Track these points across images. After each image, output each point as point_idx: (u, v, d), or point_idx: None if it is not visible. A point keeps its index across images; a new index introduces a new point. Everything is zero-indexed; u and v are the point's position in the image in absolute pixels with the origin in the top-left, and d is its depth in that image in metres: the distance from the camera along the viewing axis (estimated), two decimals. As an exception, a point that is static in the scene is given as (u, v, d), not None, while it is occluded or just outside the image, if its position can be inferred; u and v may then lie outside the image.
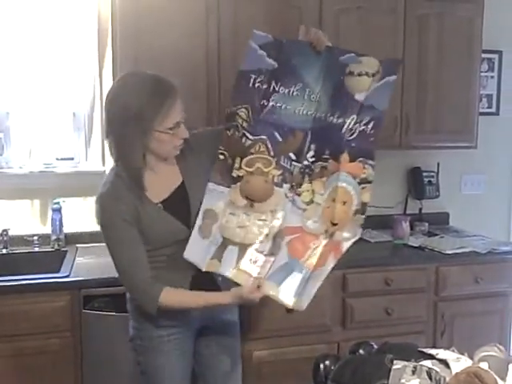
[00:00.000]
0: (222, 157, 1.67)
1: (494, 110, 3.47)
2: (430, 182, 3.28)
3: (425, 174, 3.29)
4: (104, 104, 1.70)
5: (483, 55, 3.18)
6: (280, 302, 1.66)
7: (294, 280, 1.64)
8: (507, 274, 2.85)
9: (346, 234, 1.66)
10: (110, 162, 2.81)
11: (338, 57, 1.61)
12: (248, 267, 1.64)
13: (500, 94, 3.47)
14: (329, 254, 1.66)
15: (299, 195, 1.66)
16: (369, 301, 2.61)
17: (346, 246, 1.67)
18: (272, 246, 1.65)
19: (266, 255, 1.64)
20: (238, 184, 1.67)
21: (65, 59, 2.75)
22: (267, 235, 1.65)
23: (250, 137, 1.63)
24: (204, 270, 1.66)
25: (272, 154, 1.64)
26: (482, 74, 3.28)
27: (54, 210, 2.70)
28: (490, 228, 3.31)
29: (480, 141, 3.11)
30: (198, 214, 1.70)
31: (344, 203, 1.64)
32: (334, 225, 1.65)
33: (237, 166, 1.66)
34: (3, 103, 2.73)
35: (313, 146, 1.65)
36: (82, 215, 2.83)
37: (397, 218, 2.99)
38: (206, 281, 1.70)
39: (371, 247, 2.84)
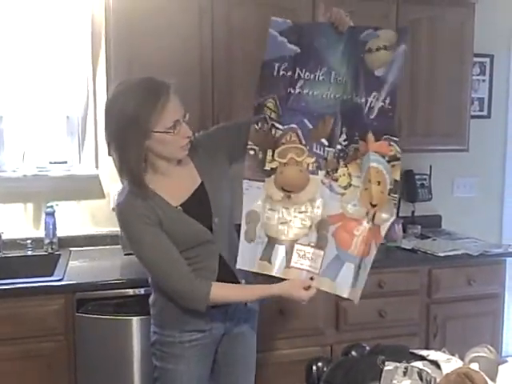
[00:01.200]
0: (252, 152, 1.63)
1: (485, 113, 3.50)
2: (422, 184, 3.30)
3: (417, 176, 3.30)
4: (103, 117, 1.68)
5: (475, 59, 3.22)
6: (336, 294, 1.68)
7: (348, 271, 1.64)
8: (499, 276, 2.87)
9: (384, 215, 1.66)
10: (104, 166, 2.86)
11: (359, 35, 1.58)
12: (299, 263, 1.64)
13: (491, 98, 3.50)
14: (372, 242, 1.65)
15: (336, 180, 1.64)
16: (362, 303, 2.57)
17: (384, 228, 1.67)
18: (318, 238, 1.64)
19: (313, 247, 1.64)
20: (273, 176, 1.64)
21: (58, 62, 2.75)
22: (311, 227, 1.64)
23: (280, 127, 1.59)
24: (255, 271, 1.66)
25: (304, 142, 1.60)
26: (474, 77, 3.31)
27: (47, 214, 2.70)
28: (481, 230, 3.33)
29: (472, 144, 3.13)
30: (219, 214, 1.71)
31: (379, 183, 1.62)
32: (374, 206, 1.64)
33: (269, 158, 1.62)
34: (-4, 107, 2.73)
35: (344, 129, 1.61)
36: (75, 219, 2.84)
37: (389, 220, 3.00)
38: (230, 283, 1.71)
39: (364, 250, 2.85)
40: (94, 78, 2.81)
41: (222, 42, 2.59)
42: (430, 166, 3.32)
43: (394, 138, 1.62)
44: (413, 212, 3.30)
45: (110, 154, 1.71)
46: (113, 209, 2.81)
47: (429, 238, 3.07)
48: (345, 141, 1.62)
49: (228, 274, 1.72)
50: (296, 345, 2.53)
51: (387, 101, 1.60)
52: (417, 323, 2.73)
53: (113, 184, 2.88)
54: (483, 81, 3.48)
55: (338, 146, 1.62)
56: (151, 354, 1.84)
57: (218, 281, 1.70)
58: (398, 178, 1.64)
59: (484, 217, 3.52)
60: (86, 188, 2.85)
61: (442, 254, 2.74)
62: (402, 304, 2.69)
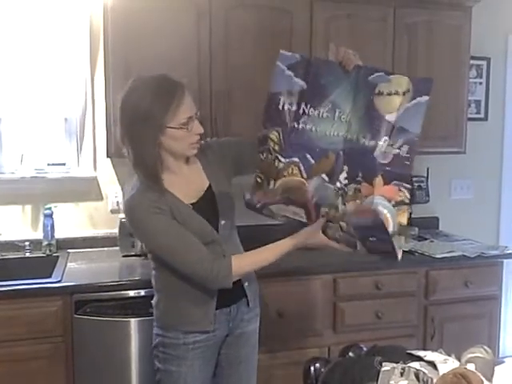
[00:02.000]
0: (259, 180, 1.63)
1: (482, 115, 3.52)
2: (420, 186, 3.31)
3: (415, 179, 3.30)
4: (118, 111, 1.70)
5: (472, 62, 3.23)
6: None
7: None
8: (496, 278, 2.88)
9: None
10: (102, 168, 2.87)
11: (367, 76, 1.57)
12: None
13: (488, 100, 3.52)
14: None
15: None
16: (359, 305, 2.63)
17: None
18: None
19: None
20: None
21: (57, 65, 2.76)
22: None
23: (283, 160, 1.58)
24: None
25: (305, 175, 1.59)
26: (471, 80, 3.33)
27: (45, 216, 2.71)
28: (479, 232, 3.34)
29: (469, 146, 3.15)
30: (225, 216, 1.78)
31: None
32: None
33: (272, 187, 1.62)
34: (-5, 109, 2.74)
35: (345, 168, 1.59)
36: (73, 220, 2.85)
37: (387, 222, 3.01)
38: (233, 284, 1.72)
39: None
40: (92, 81, 2.82)
41: (220, 45, 2.61)
42: (428, 169, 3.33)
43: (406, 185, 1.57)
44: (410, 214, 3.30)
45: (123, 150, 1.73)
46: (111, 211, 2.87)
47: (426, 239, 3.08)
48: (345, 179, 1.60)
49: None
50: (294, 346, 2.53)
51: (404, 149, 1.55)
52: (414, 324, 2.74)
53: (111, 186, 2.89)
54: (480, 83, 3.50)
55: (338, 184, 1.59)
56: (153, 356, 1.84)
57: None
58: (404, 221, 1.57)
59: (481, 219, 3.53)
60: (84, 190, 2.85)
61: (439, 256, 2.75)
62: (400, 305, 2.69)
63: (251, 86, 2.56)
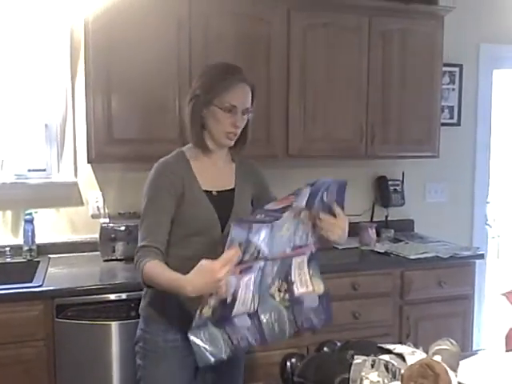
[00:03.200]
0: None
1: (455, 120, 3.62)
2: (395, 190, 3.41)
3: (390, 182, 3.41)
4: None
5: (445, 68, 3.34)
6: None
7: None
8: (469, 278, 2.97)
9: None
10: (82, 173, 2.89)
11: None
12: None
13: (461, 106, 3.62)
14: None
15: None
16: (337, 305, 2.67)
17: None
18: None
19: None
20: None
21: (37, 71, 2.78)
22: None
23: None
24: None
25: None
26: (444, 86, 3.43)
27: (26, 221, 2.71)
28: (453, 234, 3.43)
29: (442, 150, 3.25)
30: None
31: None
32: None
33: None
34: (-25, 115, 2.75)
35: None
36: (54, 226, 2.86)
37: (363, 225, 3.09)
38: None
39: (339, 253, 2.93)
40: (72, 87, 2.84)
41: (199, 53, 2.65)
42: (403, 173, 3.43)
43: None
44: (386, 217, 3.40)
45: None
46: (92, 216, 2.89)
47: (401, 241, 3.17)
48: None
49: None
50: (273, 347, 2.56)
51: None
52: (390, 324, 2.81)
53: (91, 191, 2.92)
54: (453, 89, 3.60)
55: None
56: (135, 352, 1.85)
57: None
58: None
59: (455, 221, 3.63)
60: (64, 195, 2.87)
61: (413, 257, 2.83)
62: (376, 305, 2.76)
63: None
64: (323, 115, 2.93)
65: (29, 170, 2.84)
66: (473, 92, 3.66)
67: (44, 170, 2.87)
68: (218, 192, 1.81)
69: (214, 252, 1.55)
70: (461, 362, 1.34)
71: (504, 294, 1.00)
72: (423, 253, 2.88)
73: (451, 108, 3.60)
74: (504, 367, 1.46)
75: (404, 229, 3.43)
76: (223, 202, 1.81)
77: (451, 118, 3.61)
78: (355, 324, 2.71)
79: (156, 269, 1.63)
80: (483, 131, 3.72)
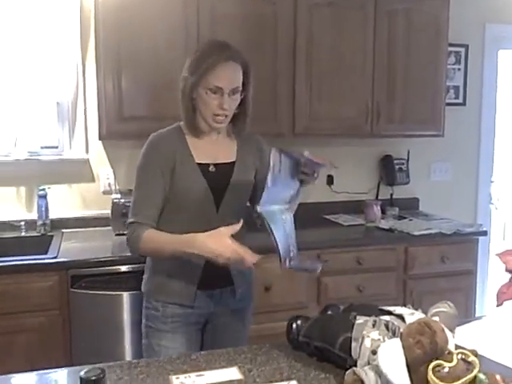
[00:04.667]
0: None
1: (460, 100, 3.66)
2: (400, 169, 3.46)
3: (396, 161, 3.45)
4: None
5: (450, 48, 3.37)
6: None
7: None
8: (472, 254, 3.03)
9: None
10: (94, 150, 2.96)
11: None
12: None
13: (466, 86, 3.65)
14: None
15: None
16: (342, 279, 2.76)
17: None
18: None
19: None
20: None
21: (48, 50, 2.83)
22: None
23: None
24: None
25: None
26: (450, 66, 3.46)
27: (39, 197, 2.79)
28: (457, 213, 3.49)
29: (448, 130, 3.28)
30: (233, 195, 1.74)
31: None
32: None
33: None
34: (-12, 93, 2.81)
35: None
36: (66, 202, 2.94)
37: (368, 202, 3.15)
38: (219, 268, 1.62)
39: (344, 230, 3.00)
40: (83, 65, 2.89)
41: (206, 30, 2.70)
42: (408, 151, 3.47)
43: None
44: (391, 195, 3.46)
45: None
46: (103, 192, 2.97)
47: (405, 218, 3.22)
48: None
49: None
50: (280, 318, 2.63)
51: None
52: (394, 298, 2.87)
53: (102, 168, 2.99)
54: (458, 69, 3.63)
55: None
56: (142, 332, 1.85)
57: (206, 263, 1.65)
58: None
59: (459, 200, 3.68)
60: (76, 172, 2.95)
61: (417, 233, 2.89)
62: (380, 280, 2.83)
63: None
64: (329, 94, 2.97)
65: (41, 147, 2.91)
66: (478, 72, 3.69)
67: (56, 147, 2.94)
68: (215, 165, 1.75)
69: (207, 229, 1.56)
70: (460, 327, 1.40)
71: (497, 255, 1.05)
72: (427, 229, 2.94)
73: (457, 88, 3.63)
74: (502, 332, 1.53)
75: (409, 207, 3.49)
76: (220, 175, 1.74)
77: (456, 97, 3.64)
78: (359, 297, 2.77)
79: (156, 233, 1.64)
80: (488, 111, 3.75)
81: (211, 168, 1.74)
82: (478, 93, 3.70)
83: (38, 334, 2.32)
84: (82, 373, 0.84)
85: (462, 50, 3.61)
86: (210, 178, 1.72)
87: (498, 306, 1.02)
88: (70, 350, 2.37)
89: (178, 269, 1.74)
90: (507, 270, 1.02)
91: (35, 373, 1.36)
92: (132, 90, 2.67)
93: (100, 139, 2.76)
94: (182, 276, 1.75)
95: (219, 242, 1.51)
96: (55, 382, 1.35)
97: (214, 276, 1.73)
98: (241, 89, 1.69)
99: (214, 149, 1.77)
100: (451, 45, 3.35)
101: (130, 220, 1.69)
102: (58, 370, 1.39)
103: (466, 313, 3.02)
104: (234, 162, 1.78)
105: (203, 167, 1.73)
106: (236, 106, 1.72)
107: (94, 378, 0.83)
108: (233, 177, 1.76)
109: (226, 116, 1.70)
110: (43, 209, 2.80)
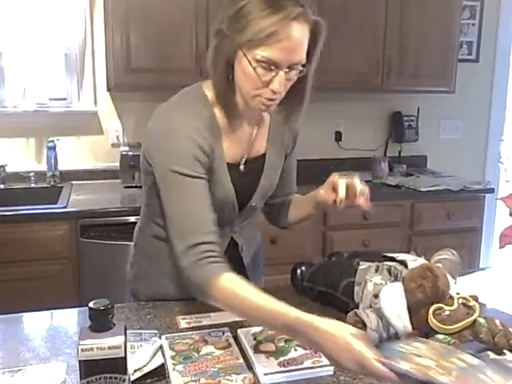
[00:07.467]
0: None
1: (473, 57, 3.59)
2: (410, 126, 3.43)
3: (405, 118, 3.42)
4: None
5: (465, 2, 3.28)
6: None
7: None
8: (478, 211, 3.04)
9: None
10: (102, 103, 2.96)
11: None
12: None
13: (480, 42, 3.58)
14: None
15: None
16: (347, 234, 2.79)
17: None
18: None
19: None
20: None
21: (56, 1, 2.80)
22: None
23: None
24: None
25: None
26: (464, 21, 3.38)
27: (48, 148, 2.81)
28: (465, 171, 3.48)
29: (459, 87, 3.24)
30: (259, 198, 1.39)
31: None
32: None
33: None
34: (-4, 43, 2.80)
35: None
36: (75, 154, 2.96)
37: (376, 158, 3.15)
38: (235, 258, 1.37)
39: (351, 186, 3.00)
40: (91, 16, 2.86)
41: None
42: (418, 108, 3.44)
43: None
44: (399, 152, 3.44)
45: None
46: (112, 145, 2.98)
47: (413, 175, 3.22)
48: None
49: (233, 250, 1.40)
50: (285, 271, 2.69)
51: None
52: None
53: (111, 121, 2.99)
54: (473, 25, 3.55)
55: None
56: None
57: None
58: None
59: (468, 158, 3.66)
60: (85, 124, 2.95)
61: (424, 189, 2.89)
62: (385, 235, 2.86)
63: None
64: (339, 47, 2.92)
65: (50, 99, 2.91)
66: (493, 28, 3.60)
67: (65, 99, 2.94)
68: (245, 163, 1.33)
69: (222, 228, 1.26)
70: (463, 277, 1.42)
71: (502, 198, 1.06)
72: (434, 185, 2.94)
73: (470, 43, 3.56)
74: (505, 282, 1.56)
75: (417, 164, 3.48)
76: (249, 175, 1.34)
77: (469, 54, 3.58)
78: (364, 252, 2.81)
79: (241, 287, 1.06)
80: (501, 69, 3.68)
81: (242, 168, 1.33)
82: (491, 49, 3.62)
83: (49, 281, 2.38)
84: (91, 303, 0.87)
85: (478, 4, 3.52)
86: (237, 182, 1.31)
87: (500, 248, 1.03)
88: (80, 297, 2.43)
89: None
90: (511, 214, 1.02)
91: (46, 312, 1.40)
92: (140, 42, 2.64)
93: (108, 91, 2.76)
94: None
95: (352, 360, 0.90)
96: (65, 320, 1.40)
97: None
98: (304, 62, 1.17)
99: (247, 138, 1.33)
100: (466, -1, 3.27)
101: (186, 244, 1.12)
102: (68, 309, 1.43)
103: (471, 271, 3.04)
104: (264, 155, 1.37)
105: (232, 168, 1.30)
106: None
107: (102, 307, 0.86)
108: (263, 177, 1.37)
109: (273, 100, 1.18)
110: (52, 160, 2.82)
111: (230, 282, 1.08)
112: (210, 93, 1.25)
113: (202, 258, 1.10)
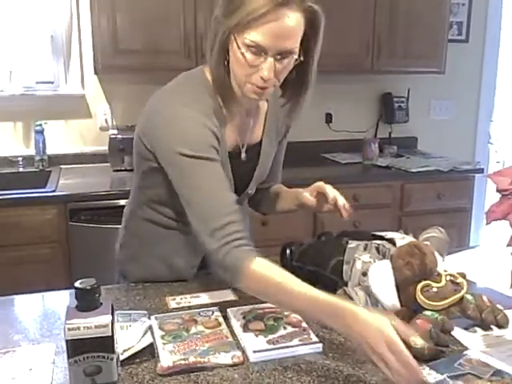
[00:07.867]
0: None
1: (463, 37, 3.57)
2: (400, 107, 3.42)
3: (395, 99, 3.42)
4: None
5: (455, -18, 3.26)
6: None
7: None
8: (467, 191, 3.05)
9: None
10: (90, 86, 2.93)
11: None
12: None
13: (470, 22, 3.56)
14: None
15: None
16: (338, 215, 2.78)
17: None
18: None
19: None
20: None
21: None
22: None
23: None
24: None
25: None
26: (454, 1, 3.36)
27: (36, 132, 2.78)
28: (455, 151, 3.48)
29: (449, 67, 3.23)
30: (254, 185, 1.41)
31: None
32: None
33: None
34: (-19, 26, 2.75)
35: None
36: (63, 138, 2.93)
37: (366, 140, 3.14)
38: None
39: (341, 168, 3.01)
40: (77, -1, 2.82)
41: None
42: (408, 90, 3.43)
43: None
44: (390, 133, 3.44)
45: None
46: (100, 128, 2.95)
47: (403, 156, 3.23)
48: None
49: None
50: (276, 252, 2.68)
51: None
52: (389, 234, 2.92)
53: (99, 104, 2.96)
54: (463, 5, 3.53)
55: None
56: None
57: None
58: None
59: (458, 139, 3.67)
60: (73, 108, 2.92)
61: (414, 170, 2.90)
62: (376, 216, 2.86)
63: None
64: (329, 29, 2.88)
65: (37, 82, 2.88)
66: (483, 8, 3.59)
67: (52, 83, 2.91)
68: (246, 151, 1.33)
69: None
70: (451, 255, 1.43)
71: (489, 176, 1.06)
72: (424, 166, 2.95)
73: (460, 24, 3.55)
74: (493, 260, 1.57)
75: (407, 145, 3.48)
76: (247, 164, 1.35)
77: (459, 34, 3.56)
78: (355, 233, 2.82)
79: (276, 273, 1.07)
80: (491, 49, 3.67)
81: (243, 157, 1.33)
82: (481, 30, 3.61)
83: (39, 266, 2.37)
84: (77, 283, 0.86)
85: (468, -16, 3.50)
86: (236, 170, 1.30)
87: (487, 224, 1.04)
88: (71, 280, 2.42)
89: (177, 244, 1.37)
90: (498, 190, 1.03)
91: (37, 294, 1.40)
92: (127, 23, 2.61)
93: (96, 73, 2.73)
94: (182, 251, 1.40)
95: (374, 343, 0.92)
96: (55, 302, 1.40)
97: None
98: (297, 51, 1.14)
99: (246, 124, 1.32)
100: (456, -22, 3.25)
101: (211, 226, 1.10)
102: (58, 291, 1.43)
103: (459, 249, 3.06)
104: (259, 143, 1.37)
105: (232, 156, 1.29)
106: (287, 73, 1.19)
107: (88, 287, 0.86)
108: (259, 165, 1.37)
109: (265, 88, 1.16)
110: (40, 144, 2.79)
111: (263, 268, 1.07)
112: (210, 78, 1.23)
113: (229, 240, 1.08)
